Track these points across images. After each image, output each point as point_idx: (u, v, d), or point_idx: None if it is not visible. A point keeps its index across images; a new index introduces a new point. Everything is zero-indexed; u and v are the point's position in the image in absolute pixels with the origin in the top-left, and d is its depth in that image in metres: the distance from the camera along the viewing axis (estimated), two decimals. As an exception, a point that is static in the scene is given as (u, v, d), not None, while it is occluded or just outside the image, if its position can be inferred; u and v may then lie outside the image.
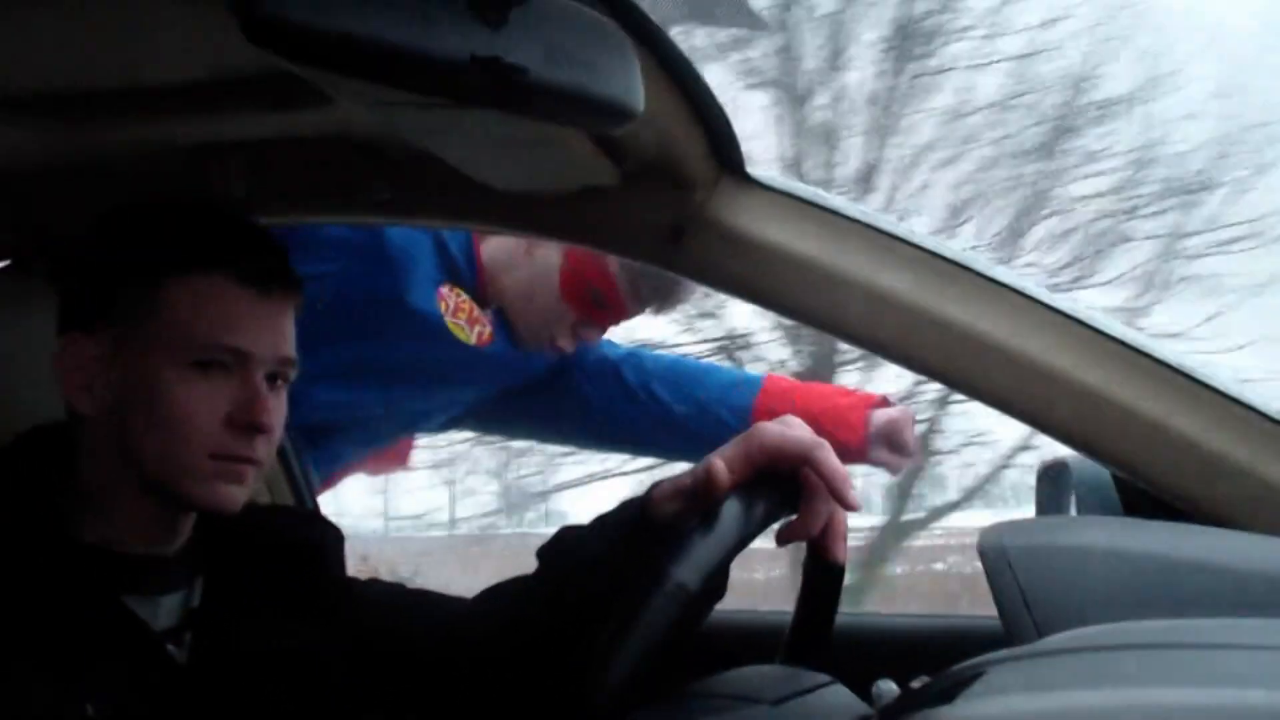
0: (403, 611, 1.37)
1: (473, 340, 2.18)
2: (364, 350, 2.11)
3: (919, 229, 1.41)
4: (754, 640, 1.42)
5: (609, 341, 2.42)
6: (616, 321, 2.25)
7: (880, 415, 2.31)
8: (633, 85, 0.94)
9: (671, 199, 1.39)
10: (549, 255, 2.18)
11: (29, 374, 1.34)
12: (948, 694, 0.87)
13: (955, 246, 1.39)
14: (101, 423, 1.19)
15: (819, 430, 2.22)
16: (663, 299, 2.28)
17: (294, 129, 1.36)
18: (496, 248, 2.21)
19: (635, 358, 2.42)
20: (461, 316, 2.17)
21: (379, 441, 2.40)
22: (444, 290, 2.15)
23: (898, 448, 2.32)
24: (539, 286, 2.19)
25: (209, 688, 1.20)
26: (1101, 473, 1.45)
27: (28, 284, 1.51)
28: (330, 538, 1.38)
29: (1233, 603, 1.04)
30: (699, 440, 2.17)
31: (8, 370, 1.43)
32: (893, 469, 2.38)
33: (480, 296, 2.21)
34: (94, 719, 1.09)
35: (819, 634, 1.37)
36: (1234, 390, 1.31)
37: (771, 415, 2.22)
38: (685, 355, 2.48)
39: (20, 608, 1.11)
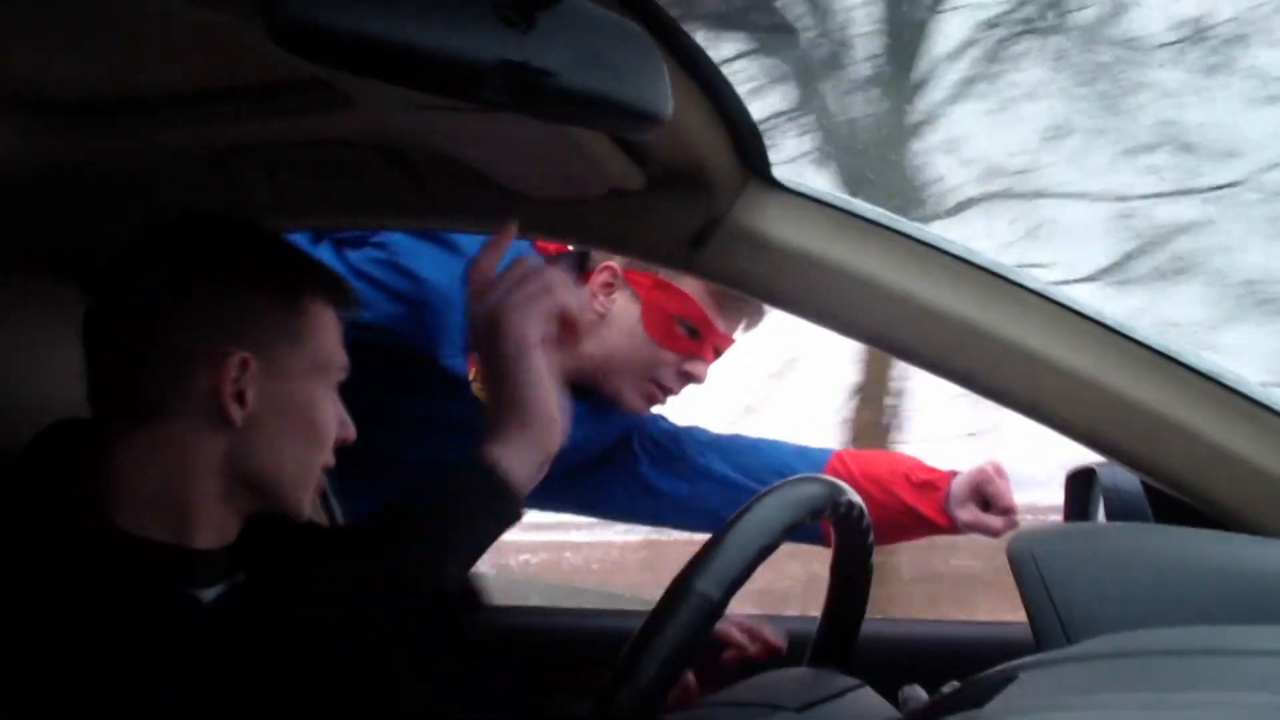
0: None
1: None
2: (395, 401, 2.08)
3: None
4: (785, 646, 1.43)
5: (663, 418, 2.37)
6: (716, 347, 2.13)
7: (963, 474, 2.12)
8: (661, 90, 0.94)
9: (697, 203, 1.39)
10: (623, 310, 2.12)
11: (41, 372, 1.34)
12: (979, 699, 0.86)
13: (983, 252, 1.38)
14: (233, 432, 1.23)
15: (895, 500, 2.14)
16: (751, 311, 2.14)
17: (319, 133, 1.36)
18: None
19: (693, 431, 2.36)
20: None
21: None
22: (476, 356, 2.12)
23: (991, 503, 2.08)
24: (626, 339, 2.12)
25: (260, 669, 1.21)
26: (1130, 479, 1.44)
27: (44, 287, 1.52)
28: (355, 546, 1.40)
29: (1263, 609, 1.03)
30: None
31: (25, 368, 1.44)
32: (990, 530, 2.07)
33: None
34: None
35: (846, 639, 1.37)
36: (1264, 396, 1.30)
37: None
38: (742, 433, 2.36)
39: (75, 596, 1.14)
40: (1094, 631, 0.99)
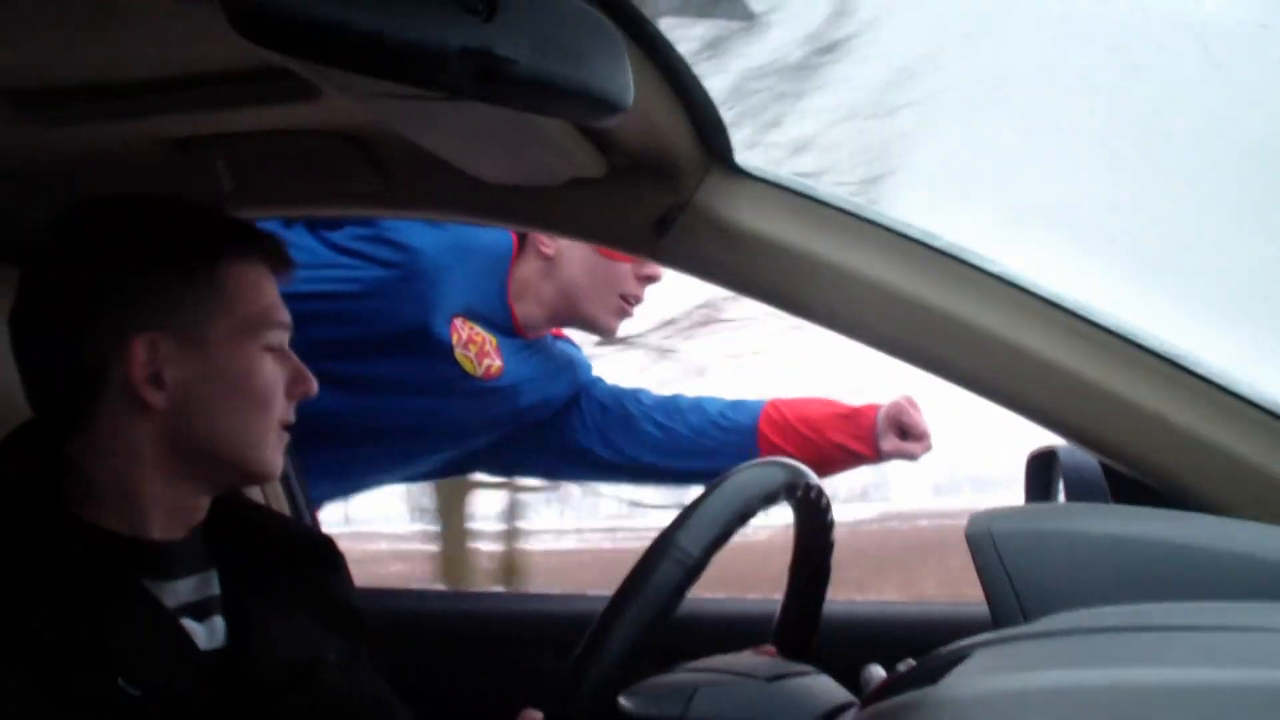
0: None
1: (478, 373, 2.23)
2: (376, 366, 2.16)
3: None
4: (743, 628, 1.44)
5: (603, 380, 2.47)
6: None
7: (883, 407, 2.30)
8: (622, 78, 0.95)
9: (659, 190, 1.39)
10: (569, 244, 2.24)
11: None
12: (933, 675, 0.88)
13: (944, 237, 1.39)
14: (160, 414, 1.21)
15: (825, 439, 2.29)
16: None
17: (281, 122, 1.36)
18: (519, 276, 2.27)
19: (636, 392, 2.46)
20: (472, 349, 2.22)
21: (391, 463, 2.43)
22: (457, 322, 2.20)
23: (908, 432, 2.28)
24: (581, 269, 2.25)
25: (238, 672, 1.23)
26: (1089, 460, 1.45)
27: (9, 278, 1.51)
28: (339, 557, 1.43)
29: (1216, 587, 1.04)
30: (697, 462, 2.33)
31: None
32: (909, 456, 2.30)
33: (515, 328, 2.28)
34: (131, 694, 1.12)
35: (808, 621, 1.38)
36: (1220, 378, 1.32)
37: (777, 429, 2.31)
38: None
39: (41, 591, 1.13)
40: (1050, 610, 1.00)
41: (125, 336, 1.20)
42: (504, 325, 2.27)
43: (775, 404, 2.36)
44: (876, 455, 2.30)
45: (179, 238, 1.26)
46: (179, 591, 1.24)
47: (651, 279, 2.28)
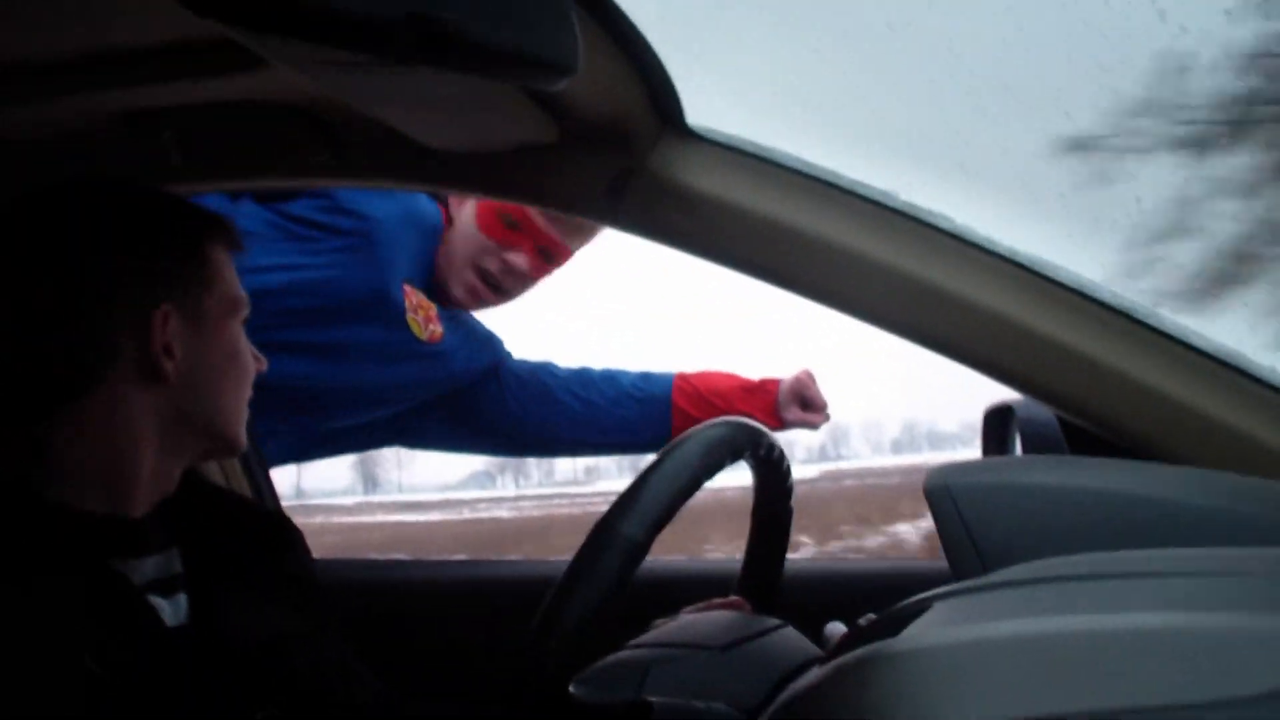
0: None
1: (424, 336, 2.30)
2: (336, 333, 2.21)
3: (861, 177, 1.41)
4: (706, 588, 1.44)
5: (511, 355, 2.54)
6: (540, 246, 2.28)
7: (786, 380, 2.44)
8: (570, 41, 0.94)
9: (612, 154, 1.39)
10: (466, 213, 2.31)
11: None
12: (894, 628, 0.88)
13: (898, 196, 1.39)
14: (169, 387, 1.24)
15: (734, 409, 2.40)
16: (580, 225, 2.30)
17: (228, 94, 1.35)
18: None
19: (549, 365, 2.54)
20: (420, 314, 2.29)
21: (328, 431, 2.48)
22: (407, 288, 2.26)
23: (809, 404, 2.41)
24: (457, 237, 2.31)
25: (203, 649, 1.24)
26: (1046, 414, 1.46)
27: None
28: (297, 535, 1.44)
29: (1174, 535, 1.05)
30: (615, 432, 2.44)
31: None
32: (811, 425, 2.44)
33: (440, 296, 2.36)
34: (96, 674, 1.11)
35: (769, 580, 1.39)
36: (1175, 330, 1.33)
37: (689, 399, 2.41)
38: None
39: (5, 575, 1.13)
40: (1009, 561, 1.00)
41: (144, 309, 1.23)
42: (432, 293, 2.34)
43: (684, 376, 2.46)
44: (780, 425, 2.41)
45: (173, 216, 1.31)
46: (146, 569, 1.24)
47: (511, 266, 2.29)
